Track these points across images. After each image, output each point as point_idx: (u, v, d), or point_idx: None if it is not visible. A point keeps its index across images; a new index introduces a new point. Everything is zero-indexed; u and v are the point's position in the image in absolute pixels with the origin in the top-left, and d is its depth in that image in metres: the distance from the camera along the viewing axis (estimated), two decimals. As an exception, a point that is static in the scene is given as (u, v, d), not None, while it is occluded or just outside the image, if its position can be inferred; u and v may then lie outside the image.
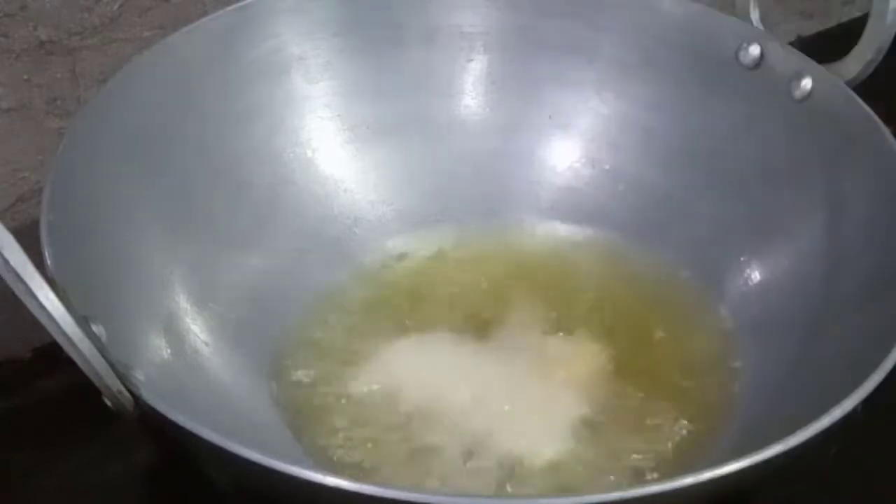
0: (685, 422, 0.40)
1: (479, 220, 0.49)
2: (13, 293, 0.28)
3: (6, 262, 0.28)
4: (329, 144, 0.48)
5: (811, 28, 0.70)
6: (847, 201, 0.42)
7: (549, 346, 0.43)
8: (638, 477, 0.38)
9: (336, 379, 0.42)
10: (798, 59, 0.44)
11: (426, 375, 0.42)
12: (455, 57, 0.49)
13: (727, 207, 0.46)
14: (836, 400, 0.30)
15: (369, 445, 0.39)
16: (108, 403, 0.30)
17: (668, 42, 0.48)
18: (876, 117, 0.41)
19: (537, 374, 0.42)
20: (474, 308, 0.45)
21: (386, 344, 0.43)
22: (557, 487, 0.38)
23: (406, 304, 0.45)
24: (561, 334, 0.44)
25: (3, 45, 0.43)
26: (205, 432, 0.29)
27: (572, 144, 0.50)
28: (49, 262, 0.33)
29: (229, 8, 0.45)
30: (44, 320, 0.29)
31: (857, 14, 0.68)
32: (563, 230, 0.49)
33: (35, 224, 0.34)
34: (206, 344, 0.40)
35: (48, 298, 0.29)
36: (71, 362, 0.30)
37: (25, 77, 0.44)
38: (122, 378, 0.30)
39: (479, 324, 0.44)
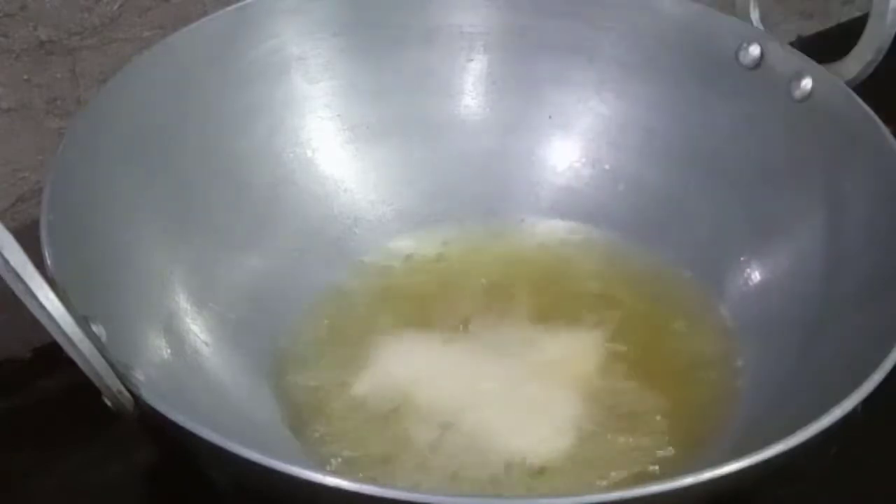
0: (685, 422, 0.40)
1: (479, 219, 0.49)
2: (13, 293, 0.29)
3: (6, 262, 0.28)
4: (329, 144, 0.48)
5: (811, 28, 0.70)
6: (847, 201, 0.42)
7: (549, 346, 0.43)
8: (638, 476, 0.38)
9: (336, 379, 0.42)
10: (798, 59, 0.44)
11: (426, 375, 0.42)
12: (455, 57, 0.49)
13: (727, 207, 0.46)
14: (836, 400, 0.30)
15: (369, 445, 0.39)
16: (108, 403, 0.30)
17: (668, 42, 0.48)
18: (876, 117, 0.41)
19: (537, 374, 0.42)
20: (474, 308, 0.45)
21: (386, 344, 0.43)
22: (557, 487, 0.38)
23: (406, 304, 0.45)
24: (560, 334, 0.44)
25: (3, 45, 0.43)
26: (205, 432, 0.29)
27: (572, 144, 0.50)
28: (49, 262, 0.33)
29: (229, 8, 0.45)
30: (44, 320, 0.29)
31: (857, 14, 0.68)
32: (563, 230, 0.49)
33: (35, 224, 0.34)
34: (206, 344, 0.40)
35: (48, 298, 0.29)
36: (71, 362, 0.30)
37: (25, 77, 0.44)
38: (122, 378, 0.30)
39: (478, 323, 0.44)
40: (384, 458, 0.39)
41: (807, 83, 0.43)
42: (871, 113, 0.41)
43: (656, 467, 0.39)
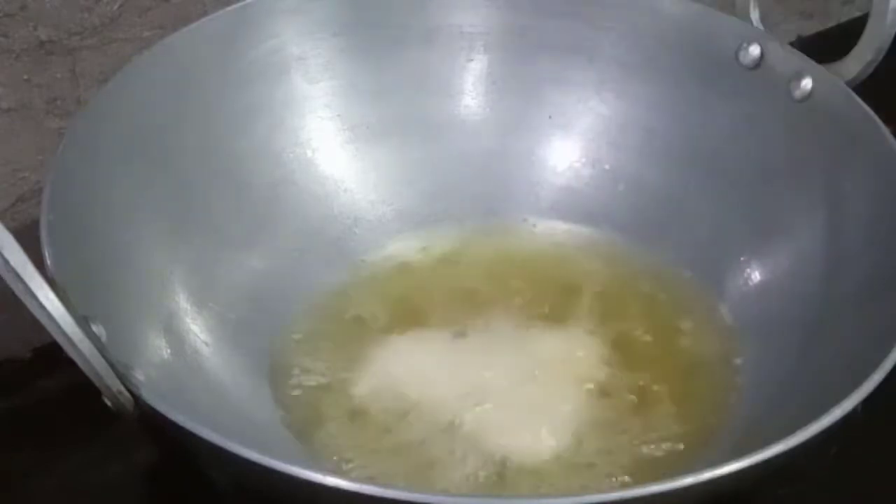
0: (685, 422, 0.40)
1: (479, 220, 0.49)
2: (13, 293, 0.29)
3: (6, 262, 0.28)
4: (329, 144, 0.48)
5: (811, 28, 0.70)
6: (847, 201, 0.42)
7: (548, 346, 0.43)
8: (637, 476, 0.38)
9: (336, 379, 0.42)
10: (798, 59, 0.44)
11: (426, 375, 0.42)
12: (455, 57, 0.49)
13: (727, 207, 0.46)
14: (836, 400, 0.30)
15: (369, 445, 0.39)
16: (108, 403, 0.30)
17: (668, 42, 0.48)
18: (876, 117, 0.41)
19: (537, 374, 0.42)
20: (474, 307, 0.45)
21: (386, 343, 0.43)
22: (556, 486, 0.38)
23: (406, 304, 0.45)
24: (560, 334, 0.44)
25: (3, 45, 0.43)
26: (205, 432, 0.29)
27: (572, 144, 0.50)
28: (49, 262, 0.33)
29: (229, 8, 0.45)
30: (44, 320, 0.29)
31: (857, 14, 0.68)
32: (563, 230, 0.49)
33: (35, 224, 0.34)
34: (206, 344, 0.40)
35: (48, 298, 0.29)
36: (71, 362, 0.30)
37: (25, 77, 0.44)
38: (122, 378, 0.30)
39: (478, 323, 0.44)
40: (384, 457, 0.39)
41: (807, 83, 0.43)
42: (871, 113, 0.41)
43: (656, 467, 0.39)
